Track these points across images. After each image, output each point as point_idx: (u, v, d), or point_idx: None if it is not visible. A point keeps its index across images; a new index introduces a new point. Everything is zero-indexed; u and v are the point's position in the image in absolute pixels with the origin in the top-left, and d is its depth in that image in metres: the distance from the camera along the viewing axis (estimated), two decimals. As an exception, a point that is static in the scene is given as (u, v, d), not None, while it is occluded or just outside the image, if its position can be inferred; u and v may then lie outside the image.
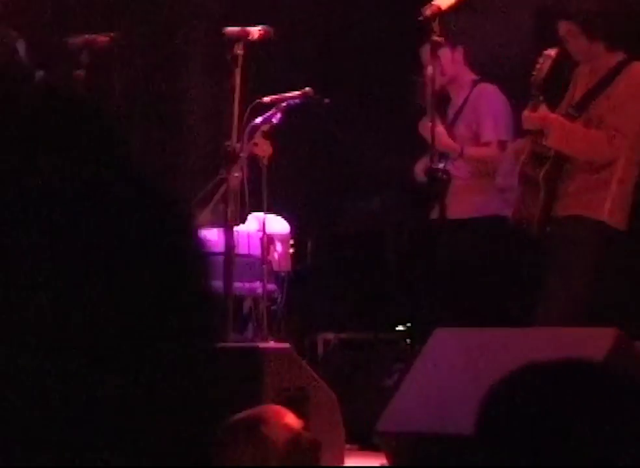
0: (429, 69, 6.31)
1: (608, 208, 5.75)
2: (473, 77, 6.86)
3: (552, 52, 5.75)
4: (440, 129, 6.52)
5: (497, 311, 6.48)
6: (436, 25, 5.64)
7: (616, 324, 4.57)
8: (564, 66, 6.01)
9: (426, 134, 6.35)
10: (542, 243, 5.95)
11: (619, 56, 5.88)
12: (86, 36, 6.16)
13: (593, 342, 4.13)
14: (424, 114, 6.38)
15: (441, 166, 6.26)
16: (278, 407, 3.28)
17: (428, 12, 5.63)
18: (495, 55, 7.22)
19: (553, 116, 5.79)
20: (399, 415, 4.35)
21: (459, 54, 6.78)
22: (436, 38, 5.60)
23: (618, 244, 5.83)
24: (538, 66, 5.72)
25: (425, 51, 6.38)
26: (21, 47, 8.86)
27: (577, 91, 5.95)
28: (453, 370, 4.36)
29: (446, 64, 6.67)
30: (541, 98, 5.75)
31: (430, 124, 6.26)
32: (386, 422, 4.42)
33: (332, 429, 4.77)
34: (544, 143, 5.77)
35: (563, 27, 5.90)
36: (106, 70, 7.62)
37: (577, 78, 6.00)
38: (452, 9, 5.75)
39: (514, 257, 6.82)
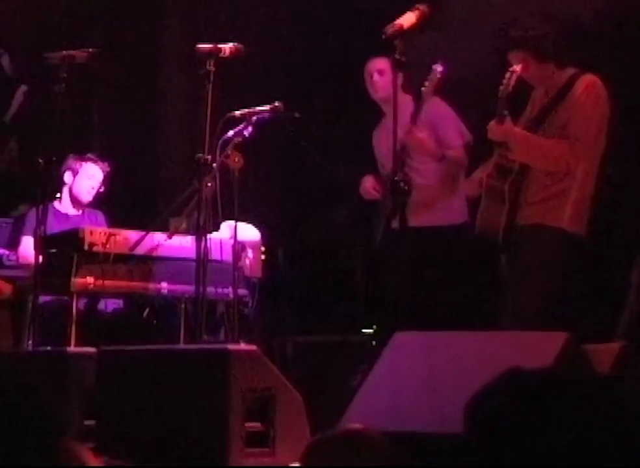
0: (426, 84, 6.36)
1: (568, 215, 5.76)
2: (410, 97, 6.82)
3: (517, 68, 5.76)
4: (424, 134, 6.58)
5: (460, 315, 6.50)
6: (398, 44, 5.62)
7: (574, 327, 4.60)
8: (527, 84, 6.03)
9: (412, 140, 6.48)
10: (505, 250, 5.95)
11: (570, 72, 5.89)
12: (65, 51, 6.12)
13: (544, 346, 4.13)
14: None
15: (400, 176, 6.30)
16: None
17: (390, 30, 5.62)
18: (457, 71, 7.22)
19: (517, 129, 5.79)
20: (358, 414, 4.34)
21: (400, 78, 6.75)
22: (397, 56, 5.58)
23: (578, 249, 5.85)
24: (504, 81, 5.72)
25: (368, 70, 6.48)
26: (5, 61, 8.86)
27: (534, 108, 5.96)
28: (411, 371, 4.35)
29: (385, 82, 6.75)
30: (506, 112, 5.75)
31: (417, 131, 6.47)
32: (347, 421, 4.41)
33: (297, 427, 4.76)
34: (508, 155, 5.79)
35: (514, 57, 5.89)
36: (85, 85, 7.60)
37: (534, 99, 6.02)
38: (414, 28, 5.74)
39: (479, 263, 6.84)
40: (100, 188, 7.46)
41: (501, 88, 5.72)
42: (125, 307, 7.13)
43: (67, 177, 7.40)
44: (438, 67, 6.35)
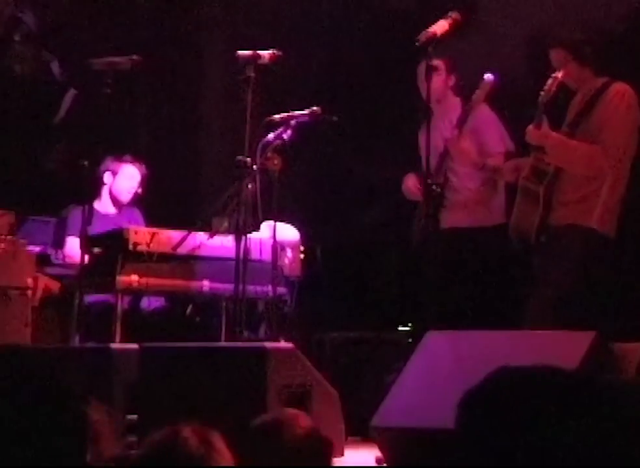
0: (477, 92, 6.37)
1: (598, 216, 5.77)
2: (460, 101, 6.81)
3: (559, 74, 5.77)
4: (467, 144, 6.56)
5: (492, 314, 6.47)
6: (431, 50, 5.63)
7: (599, 325, 4.58)
8: (567, 91, 6.03)
9: (455, 149, 6.49)
10: (538, 251, 5.94)
11: (603, 79, 5.91)
12: (110, 58, 6.17)
13: (572, 345, 4.11)
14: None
15: (436, 181, 6.33)
16: (293, 411, 3.20)
17: (423, 37, 5.63)
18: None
19: (553, 133, 5.81)
20: (391, 411, 4.34)
21: (451, 80, 6.80)
22: (431, 62, 5.59)
23: (607, 249, 5.84)
24: (546, 87, 5.74)
25: (420, 72, 6.43)
26: (54, 67, 8.92)
27: (571, 113, 5.96)
28: (442, 369, 4.35)
29: (439, 83, 6.70)
30: (544, 117, 5.77)
31: (461, 141, 6.48)
32: (379, 418, 4.42)
33: (332, 423, 4.77)
34: (545, 159, 5.79)
35: (555, 54, 5.92)
36: (130, 89, 7.64)
37: (573, 105, 6.02)
38: (447, 35, 5.74)
39: (512, 264, 6.81)
40: (138, 188, 7.49)
41: (542, 93, 5.73)
42: (168, 304, 7.15)
43: (107, 177, 7.42)
44: (490, 77, 6.35)
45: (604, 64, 5.93)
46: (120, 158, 7.47)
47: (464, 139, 6.63)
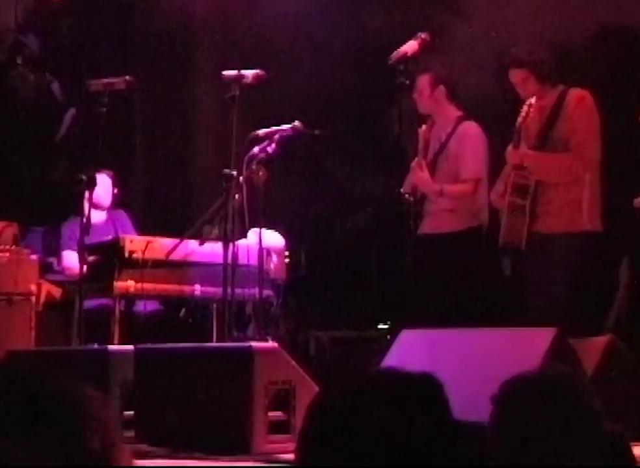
0: (423, 128, 6.36)
1: (587, 218, 5.85)
2: (457, 113, 6.70)
3: (532, 100, 5.81)
4: (424, 175, 6.49)
5: (465, 314, 6.47)
6: (402, 70, 5.62)
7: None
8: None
9: (413, 175, 6.44)
10: (527, 257, 5.96)
11: (559, 88, 5.93)
12: (106, 79, 6.16)
13: (535, 341, 4.12)
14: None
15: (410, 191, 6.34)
16: None
17: (395, 57, 5.62)
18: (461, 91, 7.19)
19: (530, 152, 5.84)
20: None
21: (440, 92, 6.64)
22: (402, 80, 5.58)
23: (597, 244, 5.96)
24: (522, 113, 5.79)
25: (416, 86, 6.42)
26: (55, 88, 8.91)
27: (533, 125, 5.95)
28: (414, 364, 4.34)
29: (424, 100, 6.63)
30: (521, 139, 5.83)
31: (416, 168, 6.40)
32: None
33: (315, 416, 4.75)
34: (526, 175, 5.82)
35: (514, 74, 5.94)
36: (124, 109, 7.63)
37: (529, 115, 6.01)
38: (417, 54, 5.75)
39: (482, 266, 6.81)
40: (114, 189, 7.42)
41: (520, 119, 5.76)
42: (162, 308, 7.14)
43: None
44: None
45: (559, 75, 5.96)
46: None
47: (442, 159, 6.60)
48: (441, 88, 6.59)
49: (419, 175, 6.49)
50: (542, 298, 5.82)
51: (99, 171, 7.25)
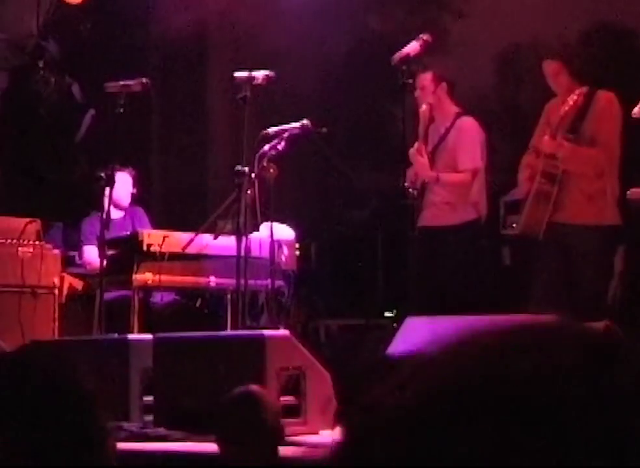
0: (423, 107, 6.34)
1: (610, 213, 5.89)
2: (456, 109, 6.71)
3: (575, 95, 5.77)
4: (423, 160, 6.50)
5: (466, 300, 6.48)
6: (405, 71, 5.61)
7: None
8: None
9: (413, 160, 6.41)
10: (545, 243, 5.98)
11: (585, 88, 5.90)
12: (123, 82, 6.17)
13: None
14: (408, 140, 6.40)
15: (411, 185, 6.34)
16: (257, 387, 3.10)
17: (397, 58, 5.62)
18: (460, 88, 7.19)
19: (566, 143, 5.84)
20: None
21: (442, 89, 6.66)
22: (405, 80, 5.58)
23: (619, 236, 6.04)
24: (565, 106, 5.78)
25: (417, 84, 6.43)
26: (75, 90, 8.93)
27: (561, 118, 5.93)
28: (419, 350, 4.36)
29: (426, 96, 6.63)
30: (561, 130, 5.85)
31: (416, 153, 6.37)
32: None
33: (325, 400, 4.77)
34: (557, 164, 5.83)
35: (549, 65, 5.93)
36: (141, 109, 7.63)
37: (550, 109, 6.02)
38: (419, 55, 5.74)
39: (481, 256, 6.82)
40: (133, 189, 7.44)
41: (565, 109, 5.74)
42: (179, 299, 7.16)
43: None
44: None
45: (585, 74, 5.96)
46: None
47: (441, 151, 6.61)
48: (443, 85, 6.61)
49: (418, 160, 6.50)
50: (549, 286, 5.83)
51: (120, 170, 7.28)
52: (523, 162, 6.13)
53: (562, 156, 5.82)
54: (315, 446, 4.13)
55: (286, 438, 4.49)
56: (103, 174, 6.15)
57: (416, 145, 6.52)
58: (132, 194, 7.44)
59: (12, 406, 1.43)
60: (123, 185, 7.36)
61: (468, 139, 6.64)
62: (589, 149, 5.86)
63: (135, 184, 7.43)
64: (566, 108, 5.75)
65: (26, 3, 8.19)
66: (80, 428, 1.44)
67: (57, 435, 1.41)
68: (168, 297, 7.10)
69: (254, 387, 3.20)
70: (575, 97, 5.73)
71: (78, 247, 7.35)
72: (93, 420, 1.47)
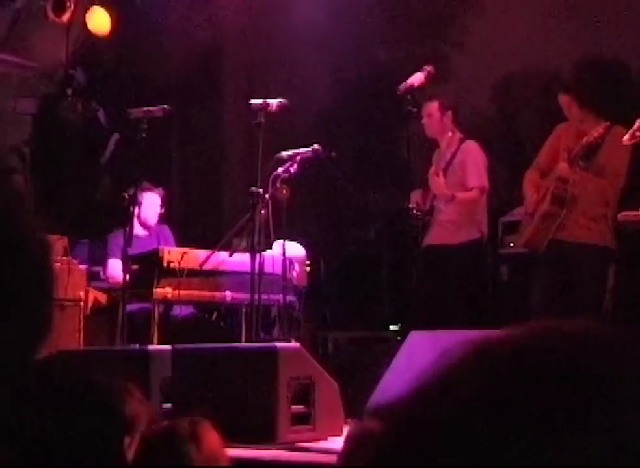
0: (443, 142, 6.41)
1: (610, 236, 5.93)
2: (460, 135, 6.76)
3: (600, 128, 5.80)
4: (440, 180, 6.56)
5: (468, 316, 6.47)
6: (410, 99, 5.62)
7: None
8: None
9: (430, 181, 6.53)
10: (545, 259, 6.01)
11: (604, 122, 5.93)
12: (145, 108, 6.20)
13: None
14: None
15: (415, 206, 6.37)
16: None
17: (403, 88, 5.63)
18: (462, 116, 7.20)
19: (579, 171, 5.88)
20: (378, 400, 4.33)
21: (447, 117, 6.72)
22: (410, 108, 5.59)
23: (612, 260, 6.10)
24: (592, 135, 5.81)
25: (424, 112, 6.47)
26: (101, 115, 8.96)
27: (575, 147, 5.95)
28: (422, 364, 4.35)
29: (434, 124, 6.68)
30: (579, 159, 5.86)
31: (433, 174, 6.49)
32: (372, 403, 4.42)
33: (333, 408, 4.77)
34: (567, 188, 5.87)
35: (562, 99, 5.98)
36: (160, 135, 7.64)
37: (562, 136, 6.05)
38: (423, 86, 5.75)
39: (483, 273, 6.81)
40: (161, 210, 7.45)
41: (589, 140, 5.78)
42: (197, 312, 7.15)
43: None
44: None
45: (603, 108, 5.97)
46: (141, 187, 7.38)
47: (449, 173, 6.64)
48: (449, 113, 6.66)
49: (436, 180, 6.57)
50: (547, 299, 5.84)
51: (150, 190, 7.30)
52: (527, 176, 6.17)
53: (573, 182, 5.85)
54: (324, 452, 4.13)
55: (297, 444, 4.49)
56: (126, 194, 6.16)
57: (433, 167, 6.59)
58: (160, 214, 7.43)
59: (42, 413, 1.43)
60: (152, 206, 7.37)
61: (474, 160, 6.71)
62: (599, 179, 5.90)
63: (163, 204, 7.44)
64: (591, 139, 5.80)
65: (56, 35, 8.23)
66: (109, 435, 1.44)
67: (86, 442, 1.40)
68: (187, 310, 7.09)
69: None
70: (600, 131, 5.79)
71: (103, 261, 7.36)
72: (122, 427, 1.46)
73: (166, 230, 7.50)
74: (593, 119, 5.96)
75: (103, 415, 1.47)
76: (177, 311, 6.98)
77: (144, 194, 7.32)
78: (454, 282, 6.58)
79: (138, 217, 7.34)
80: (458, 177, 6.66)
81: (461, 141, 6.74)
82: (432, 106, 6.63)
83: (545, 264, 6.03)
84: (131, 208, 6.29)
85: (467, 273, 6.59)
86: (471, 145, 6.72)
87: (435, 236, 6.63)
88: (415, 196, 6.82)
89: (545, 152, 6.14)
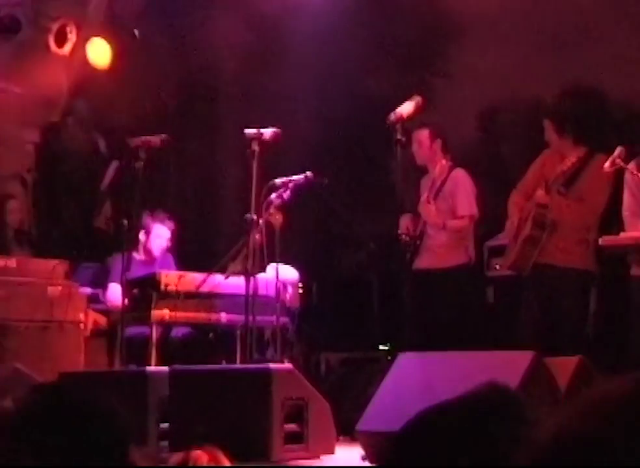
0: (436, 170, 6.43)
1: (591, 260, 5.93)
2: (449, 163, 6.75)
3: (572, 159, 5.84)
4: (431, 207, 6.57)
5: (457, 338, 6.46)
6: (399, 128, 5.64)
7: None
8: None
9: (421, 208, 6.54)
10: (530, 282, 6.02)
11: (584, 149, 5.95)
12: (143, 137, 6.22)
13: (515, 362, 4.11)
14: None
15: (404, 231, 6.39)
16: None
17: (392, 117, 5.65)
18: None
19: (557, 197, 5.89)
20: (371, 418, 4.34)
21: (437, 144, 6.73)
22: (399, 137, 5.61)
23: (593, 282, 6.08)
24: (565, 165, 5.84)
25: (414, 140, 6.49)
26: (101, 144, 8.98)
27: (556, 176, 5.97)
28: (411, 383, 4.35)
29: (423, 151, 6.71)
30: (554, 184, 5.88)
31: (425, 202, 6.49)
32: (362, 423, 4.42)
33: (326, 428, 4.77)
34: (546, 213, 5.89)
35: (544, 123, 5.99)
36: (158, 163, 7.65)
37: (546, 161, 6.06)
38: (412, 116, 5.78)
39: (470, 296, 6.82)
40: (167, 243, 7.43)
41: (562, 168, 5.81)
42: (193, 333, 7.15)
43: (142, 235, 7.27)
44: None
45: (583, 135, 5.99)
46: (154, 216, 7.37)
47: (439, 200, 6.65)
48: (439, 141, 6.69)
49: (427, 207, 6.58)
50: (531, 321, 5.86)
51: (162, 222, 7.28)
52: (512, 199, 6.19)
53: (551, 207, 5.87)
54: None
55: (290, 462, 4.48)
56: (125, 221, 6.17)
57: (424, 195, 6.60)
58: (166, 247, 7.40)
59: (50, 432, 1.43)
60: (159, 238, 7.34)
61: (463, 188, 6.72)
62: (579, 204, 5.90)
63: (172, 238, 7.39)
64: (564, 168, 5.84)
65: (58, 66, 8.26)
66: (112, 454, 1.45)
67: (92, 459, 1.41)
68: (184, 331, 7.09)
69: None
70: (573, 160, 5.82)
71: (103, 285, 7.35)
72: (124, 447, 1.47)
73: (169, 258, 7.49)
74: (571, 146, 5.99)
75: (107, 433, 1.48)
76: (175, 332, 6.98)
77: (154, 224, 7.28)
78: (442, 305, 6.58)
79: (145, 244, 7.31)
80: (448, 205, 6.67)
81: (451, 168, 6.77)
82: (423, 134, 6.66)
83: (530, 287, 6.05)
84: (137, 235, 6.27)
85: (455, 296, 6.60)
86: (460, 173, 6.73)
87: (425, 261, 6.65)
88: (405, 221, 6.83)
89: (530, 176, 6.17)
